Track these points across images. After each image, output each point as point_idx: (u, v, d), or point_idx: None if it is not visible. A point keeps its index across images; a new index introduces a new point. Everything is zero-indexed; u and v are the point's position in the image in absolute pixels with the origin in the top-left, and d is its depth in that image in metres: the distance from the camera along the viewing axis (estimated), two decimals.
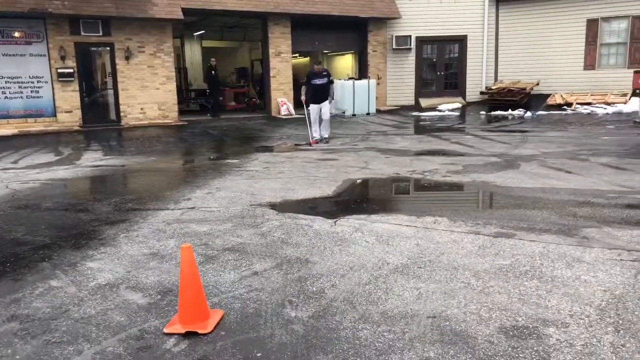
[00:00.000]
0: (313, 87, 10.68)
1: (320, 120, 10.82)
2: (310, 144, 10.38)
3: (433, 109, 17.66)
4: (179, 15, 14.58)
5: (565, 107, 15.81)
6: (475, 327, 2.86)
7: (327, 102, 10.75)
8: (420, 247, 4.19)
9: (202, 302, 3.02)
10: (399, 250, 4.13)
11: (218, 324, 2.97)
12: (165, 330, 2.92)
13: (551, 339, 2.71)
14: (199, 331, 2.88)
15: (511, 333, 2.78)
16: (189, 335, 2.86)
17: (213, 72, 17.08)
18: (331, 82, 10.94)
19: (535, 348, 2.63)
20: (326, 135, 10.94)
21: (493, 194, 6.21)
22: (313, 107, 10.74)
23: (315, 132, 10.83)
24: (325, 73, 10.88)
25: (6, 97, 13.48)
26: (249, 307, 3.19)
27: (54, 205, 5.98)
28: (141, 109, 15.07)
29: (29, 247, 4.47)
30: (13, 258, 4.20)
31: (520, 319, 2.93)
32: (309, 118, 10.86)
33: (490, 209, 5.78)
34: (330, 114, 11.21)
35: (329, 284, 3.49)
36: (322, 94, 10.70)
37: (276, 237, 4.50)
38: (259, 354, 2.65)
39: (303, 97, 10.84)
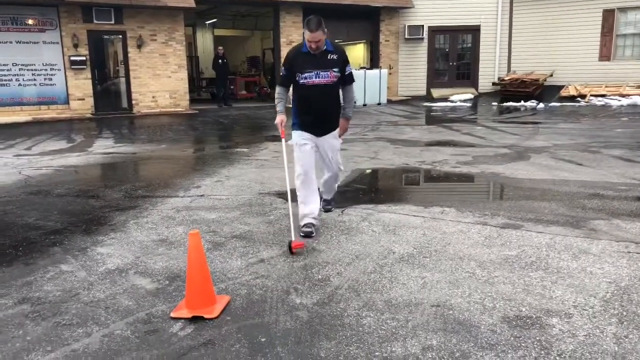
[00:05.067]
0: (303, 91, 4.19)
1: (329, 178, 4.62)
2: (291, 250, 3.84)
3: (445, 99, 17.57)
4: (191, 3, 14.59)
5: (578, 98, 15.63)
6: (479, 316, 2.88)
7: (334, 132, 4.38)
8: (426, 237, 4.20)
9: (208, 287, 3.06)
10: (405, 239, 4.14)
11: (224, 309, 3.01)
12: (172, 315, 2.97)
13: (554, 329, 2.72)
14: (205, 316, 2.92)
15: (514, 323, 2.80)
16: (195, 320, 2.90)
17: (220, 60, 17.08)
18: (348, 77, 4.27)
19: (537, 338, 2.64)
20: (329, 197, 4.83)
21: (502, 185, 6.19)
22: (302, 142, 4.25)
23: (307, 206, 4.26)
24: (333, 57, 4.14)
25: (20, 85, 13.63)
26: (255, 294, 3.23)
27: (65, 191, 6.07)
28: (153, 97, 15.16)
29: (41, 232, 4.55)
30: (25, 242, 4.28)
31: (523, 309, 2.94)
32: (297, 173, 4.28)
33: (498, 200, 5.76)
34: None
35: (335, 272, 3.52)
36: (322, 106, 4.24)
37: (283, 225, 4.54)
38: (263, 339, 2.69)
39: (280, 119, 4.23)
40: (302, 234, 4.18)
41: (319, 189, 4.57)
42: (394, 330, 2.74)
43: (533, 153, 7.99)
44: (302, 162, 4.23)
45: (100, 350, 2.63)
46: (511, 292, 3.17)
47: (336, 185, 4.82)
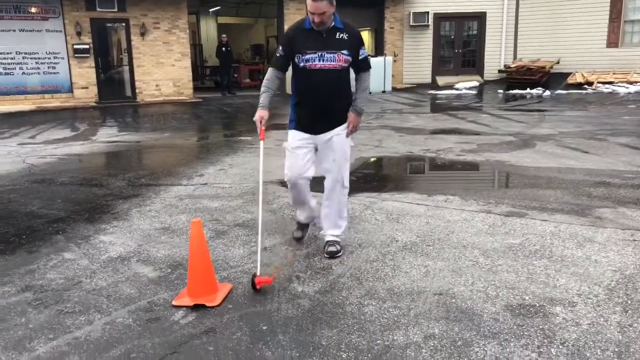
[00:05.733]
0: (303, 77, 3.41)
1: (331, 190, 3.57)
2: (254, 287, 3.04)
3: (450, 87, 17.44)
4: None
5: (585, 86, 15.48)
6: (482, 304, 2.86)
7: (339, 128, 3.50)
8: (430, 225, 4.17)
9: (210, 276, 3.05)
10: (408, 228, 4.12)
11: (226, 297, 3.01)
12: (174, 303, 2.96)
13: (557, 317, 2.70)
14: (207, 304, 2.92)
15: (517, 311, 2.77)
16: (197, 308, 2.90)
17: (223, 48, 17.00)
18: (363, 62, 3.47)
19: (540, 326, 2.62)
20: (336, 233, 3.61)
21: (507, 173, 6.14)
22: (295, 144, 3.51)
23: (300, 209, 3.81)
24: (343, 37, 3.34)
25: (24, 73, 13.63)
26: None
27: (69, 179, 6.07)
28: (156, 85, 15.12)
29: (44, 220, 4.55)
30: (29, 231, 4.28)
31: (527, 298, 2.92)
32: (287, 178, 3.60)
33: (503, 188, 5.72)
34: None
35: (337, 260, 3.51)
36: (326, 97, 3.41)
37: (286, 214, 4.52)
38: (264, 327, 2.68)
39: (259, 115, 3.35)
40: (294, 236, 3.83)
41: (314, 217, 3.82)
42: (395, 319, 2.73)
43: (539, 141, 7.93)
44: (293, 170, 3.49)
45: (101, 338, 2.63)
46: (514, 280, 3.15)
47: (344, 211, 3.61)
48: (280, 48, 3.43)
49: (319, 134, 3.47)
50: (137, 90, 14.94)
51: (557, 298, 2.91)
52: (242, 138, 8.81)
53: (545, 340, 2.49)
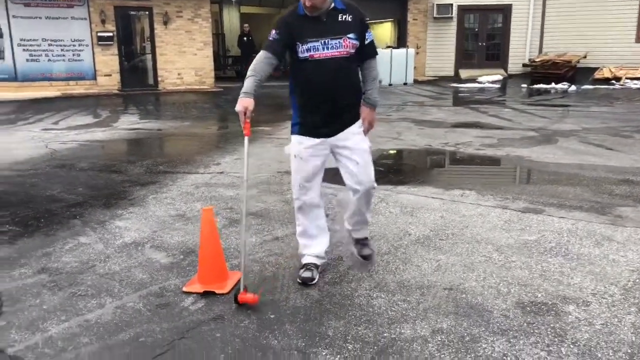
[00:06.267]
0: (305, 71, 2.93)
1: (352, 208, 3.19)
2: (237, 301, 2.76)
3: (473, 80, 17.20)
4: None
5: (613, 81, 15.12)
6: (492, 301, 2.82)
7: (354, 126, 3.03)
8: (444, 219, 4.13)
9: (221, 263, 3.07)
10: (422, 221, 4.08)
11: (236, 285, 3.02)
12: (185, 289, 2.99)
13: (570, 316, 2.65)
14: (217, 291, 2.94)
15: (528, 309, 2.73)
16: (207, 294, 2.92)
17: (245, 38, 17.02)
18: (370, 47, 3.01)
19: (552, 325, 2.57)
20: (362, 235, 3.31)
21: (526, 169, 6.04)
22: (303, 152, 3.01)
23: (309, 241, 3.17)
24: (346, 18, 2.91)
25: (49, 60, 13.85)
26: (267, 271, 3.24)
27: (89, 165, 6.16)
28: (178, 74, 15.23)
29: (63, 204, 4.63)
30: (47, 214, 4.36)
31: (539, 295, 2.87)
32: (295, 197, 3.16)
33: (521, 184, 5.63)
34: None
35: (348, 252, 3.49)
36: (335, 90, 2.93)
37: None
38: (272, 316, 2.69)
39: (243, 105, 2.78)
40: (299, 281, 3.03)
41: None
42: (404, 312, 2.71)
43: (561, 137, 7.77)
44: (302, 182, 3.03)
45: (112, 321, 2.67)
46: (527, 277, 3.10)
47: (369, 214, 3.23)
48: (275, 32, 2.89)
49: (332, 136, 2.97)
50: (159, 79, 15.08)
51: (570, 296, 2.86)
52: (260, 128, 8.82)
53: (556, 339, 2.45)
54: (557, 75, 15.79)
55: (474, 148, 7.04)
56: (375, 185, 3.10)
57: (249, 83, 2.84)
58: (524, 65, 17.50)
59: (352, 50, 2.91)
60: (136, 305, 2.83)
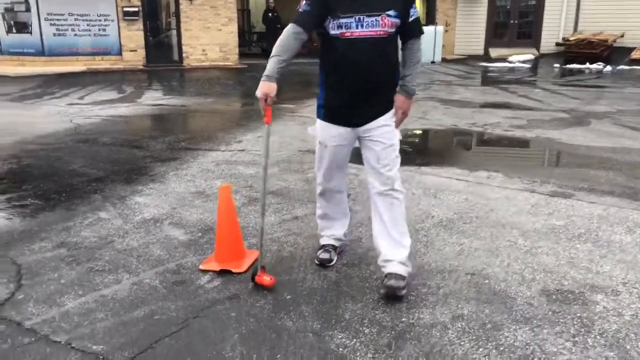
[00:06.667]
0: (336, 50, 2.60)
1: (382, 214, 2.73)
2: (254, 280, 2.75)
3: (503, 59, 16.72)
4: None
5: None
6: (516, 287, 2.72)
7: (385, 117, 2.67)
8: (468, 202, 4.01)
9: (238, 242, 3.03)
10: (446, 204, 3.97)
11: (253, 264, 2.98)
12: (201, 267, 2.96)
13: (598, 306, 2.54)
14: (233, 270, 2.90)
15: (554, 297, 2.62)
16: (223, 273, 2.89)
17: (270, 14, 16.82)
18: (414, 25, 2.62)
19: (578, 314, 2.46)
20: (402, 257, 2.66)
21: (556, 151, 5.84)
22: (328, 139, 2.77)
23: (329, 223, 3.05)
24: None
25: (75, 35, 13.92)
26: (285, 251, 3.19)
27: (111, 140, 6.18)
28: (203, 50, 15.18)
29: (85, 179, 4.65)
30: (69, 188, 4.39)
31: (566, 283, 2.76)
32: (318, 182, 2.98)
33: (550, 167, 5.44)
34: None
35: (368, 233, 3.39)
36: (367, 75, 2.60)
37: None
38: (288, 297, 2.64)
39: (264, 90, 2.54)
40: (317, 262, 2.97)
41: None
42: (423, 297, 2.63)
43: (594, 119, 7.49)
44: (325, 170, 2.83)
45: (127, 297, 2.66)
46: (554, 264, 2.97)
47: (404, 224, 2.73)
48: (305, 2, 2.56)
49: (358, 126, 2.67)
50: (183, 55, 15.05)
51: (599, 285, 2.73)
52: (283, 105, 8.73)
53: (582, 330, 2.34)
54: (592, 55, 15.22)
55: (502, 129, 6.83)
56: (400, 187, 2.68)
57: (272, 65, 2.54)
58: (557, 44, 16.91)
59: (391, 30, 2.53)
60: (152, 282, 2.82)
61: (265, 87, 2.52)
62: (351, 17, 2.49)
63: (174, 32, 15.02)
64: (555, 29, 17.37)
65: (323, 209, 3.01)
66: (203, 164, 5.14)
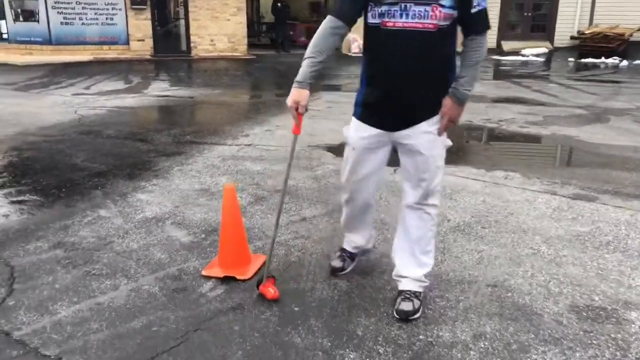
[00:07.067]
0: (376, 41, 2.25)
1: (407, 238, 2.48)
2: (259, 288, 2.56)
3: (516, 53, 16.40)
4: None
5: None
6: (542, 302, 2.52)
7: (430, 120, 2.30)
8: (486, 204, 3.80)
9: (243, 246, 2.85)
10: (462, 206, 3.77)
11: (259, 270, 2.80)
12: (204, 273, 2.78)
13: (633, 325, 2.33)
14: (238, 277, 2.72)
15: (584, 314, 2.42)
16: (227, 280, 2.71)
17: (279, 4, 16.57)
18: (477, 17, 2.16)
19: (612, 335, 2.26)
20: (417, 275, 2.45)
21: (575, 150, 5.60)
22: (359, 142, 2.42)
23: (351, 231, 2.79)
24: None
25: (83, 23, 13.76)
26: (293, 255, 3.00)
27: (115, 133, 6.01)
28: (211, 40, 14.98)
29: (86, 173, 4.48)
30: (69, 184, 4.22)
31: (596, 298, 2.55)
32: (344, 193, 2.65)
33: (570, 167, 5.21)
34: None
35: (381, 237, 3.22)
36: (410, 73, 2.21)
37: (330, 182, 4.25)
38: (296, 309, 2.46)
39: (294, 98, 2.28)
40: (333, 266, 2.76)
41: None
42: (442, 311, 2.44)
43: (613, 115, 7.24)
44: (350, 175, 2.50)
45: (124, 305, 2.49)
46: (582, 276, 2.77)
47: (423, 255, 2.45)
48: None
49: (396, 130, 2.32)
50: (191, 45, 14.85)
51: (633, 301, 2.53)
52: None
53: (618, 353, 2.14)
54: (608, 49, 14.89)
55: (518, 125, 6.60)
56: (435, 202, 2.41)
57: (304, 68, 2.24)
58: (572, 37, 16.56)
59: (444, 23, 2.12)
60: (152, 288, 2.64)
61: (296, 95, 2.26)
62: (396, 4, 2.12)
63: (182, 21, 14.82)
64: (570, 22, 17.00)
65: (346, 216, 2.71)
66: (209, 159, 4.96)
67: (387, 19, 2.15)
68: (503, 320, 2.37)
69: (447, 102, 2.27)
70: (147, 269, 2.84)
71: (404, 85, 2.23)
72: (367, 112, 2.38)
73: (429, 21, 2.11)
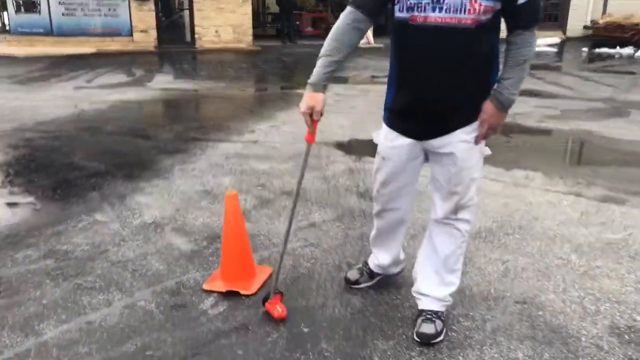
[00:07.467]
0: (405, 39, 1.94)
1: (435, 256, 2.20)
2: (264, 304, 2.35)
3: None
4: None
5: None
6: (578, 322, 2.27)
7: (467, 128, 2.02)
8: (508, 208, 3.55)
9: (247, 258, 2.62)
10: (482, 209, 3.50)
11: (264, 284, 2.57)
12: (205, 287, 2.56)
13: None
14: (241, 292, 2.50)
15: (627, 337, 2.17)
16: (229, 295, 2.48)
17: None
18: (524, 12, 1.84)
19: None
20: (440, 295, 2.19)
21: (596, 146, 5.32)
22: (389, 152, 2.16)
23: (379, 249, 2.49)
24: None
25: (85, 15, 13.52)
26: (302, 267, 2.77)
27: (116, 128, 5.79)
28: (216, 31, 14.70)
29: (83, 173, 4.27)
30: (65, 184, 4.01)
31: (638, 318, 2.31)
32: (375, 207, 2.37)
33: (594, 165, 4.93)
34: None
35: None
36: (443, 74, 1.91)
37: (340, 183, 4.01)
38: (306, 329, 2.23)
39: (308, 104, 2.03)
40: (347, 277, 2.57)
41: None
42: (467, 333, 2.20)
43: (633, 109, 6.93)
44: (381, 186, 2.24)
45: (117, 325, 2.26)
46: (619, 291, 2.52)
47: (459, 262, 2.22)
48: None
49: (428, 138, 2.05)
50: (196, 36, 14.59)
51: None
52: (299, 91, 8.27)
53: None
54: (623, 39, 14.47)
55: (535, 120, 6.31)
56: (468, 217, 2.14)
57: (318, 69, 1.98)
58: (585, 27, 16.15)
59: (485, 17, 1.82)
60: (148, 305, 2.42)
61: (309, 99, 2.00)
62: None
63: (186, 12, 14.54)
64: (583, 10, 16.59)
65: (376, 231, 2.42)
66: (212, 157, 4.72)
67: (416, 13, 1.85)
68: (536, 344, 2.13)
69: (487, 107, 1.99)
70: (143, 282, 2.62)
71: (437, 89, 1.93)
72: (396, 118, 2.11)
73: (466, 15, 1.80)
